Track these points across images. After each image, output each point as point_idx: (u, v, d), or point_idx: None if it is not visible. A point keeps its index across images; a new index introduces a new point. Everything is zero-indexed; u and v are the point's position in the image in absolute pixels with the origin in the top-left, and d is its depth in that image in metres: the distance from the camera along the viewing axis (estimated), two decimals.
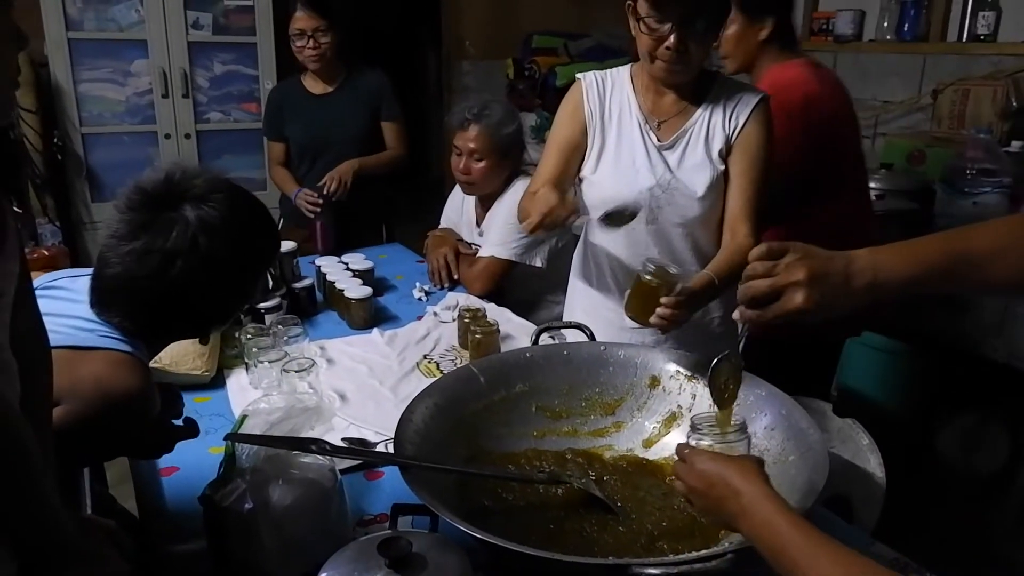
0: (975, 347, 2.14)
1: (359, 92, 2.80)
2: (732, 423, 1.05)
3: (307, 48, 2.71)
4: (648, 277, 1.30)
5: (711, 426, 1.03)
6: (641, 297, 1.31)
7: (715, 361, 1.09)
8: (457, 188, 2.42)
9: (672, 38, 1.42)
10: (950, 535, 2.09)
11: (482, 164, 2.17)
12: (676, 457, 0.98)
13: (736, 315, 1.01)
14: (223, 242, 1.08)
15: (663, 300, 1.27)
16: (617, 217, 1.41)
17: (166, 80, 3.57)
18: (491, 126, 2.15)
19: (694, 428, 1.03)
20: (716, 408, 1.11)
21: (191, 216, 1.07)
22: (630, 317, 1.35)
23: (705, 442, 1.00)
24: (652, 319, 1.29)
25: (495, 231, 2.18)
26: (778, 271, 0.95)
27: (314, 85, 2.82)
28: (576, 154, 1.61)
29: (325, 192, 2.70)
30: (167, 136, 3.63)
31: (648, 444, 1.31)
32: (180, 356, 1.60)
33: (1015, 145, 2.41)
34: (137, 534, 1.09)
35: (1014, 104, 2.54)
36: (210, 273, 1.08)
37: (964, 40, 2.82)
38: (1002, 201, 2.27)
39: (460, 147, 2.20)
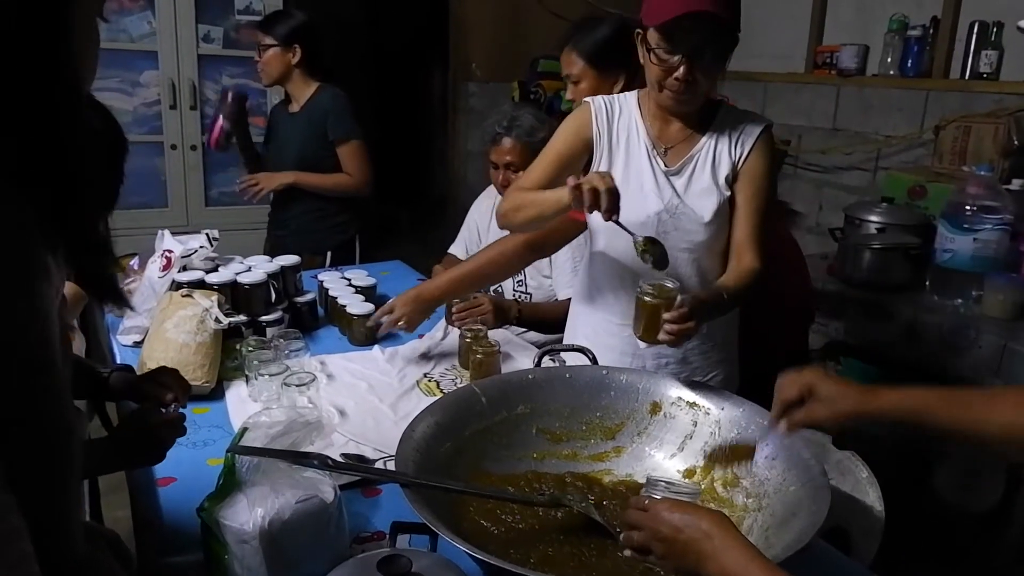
0: (974, 383, 2.14)
1: (312, 114, 2.77)
2: (687, 488, 1.06)
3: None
4: (647, 297, 1.31)
5: (666, 487, 1.04)
6: (645, 317, 1.32)
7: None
8: (482, 196, 2.46)
9: (681, 69, 1.43)
10: (948, 570, 2.08)
11: (521, 174, 2.17)
12: (629, 508, 0.97)
13: (770, 415, 1.13)
14: None
15: (666, 316, 1.28)
16: (652, 251, 1.39)
17: (175, 91, 3.59)
18: (522, 135, 2.18)
19: (650, 485, 1.05)
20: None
21: None
22: (640, 339, 1.36)
23: (659, 497, 1.00)
24: (661, 336, 1.29)
25: (566, 273, 2.16)
26: None
27: (292, 103, 2.84)
28: (570, 168, 1.60)
29: (241, 189, 2.81)
30: (173, 147, 3.65)
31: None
32: (180, 367, 1.58)
33: (1016, 183, 2.43)
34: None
35: (1015, 142, 2.57)
36: None
37: (967, 77, 2.86)
38: (1003, 238, 2.28)
39: (496, 161, 2.23)
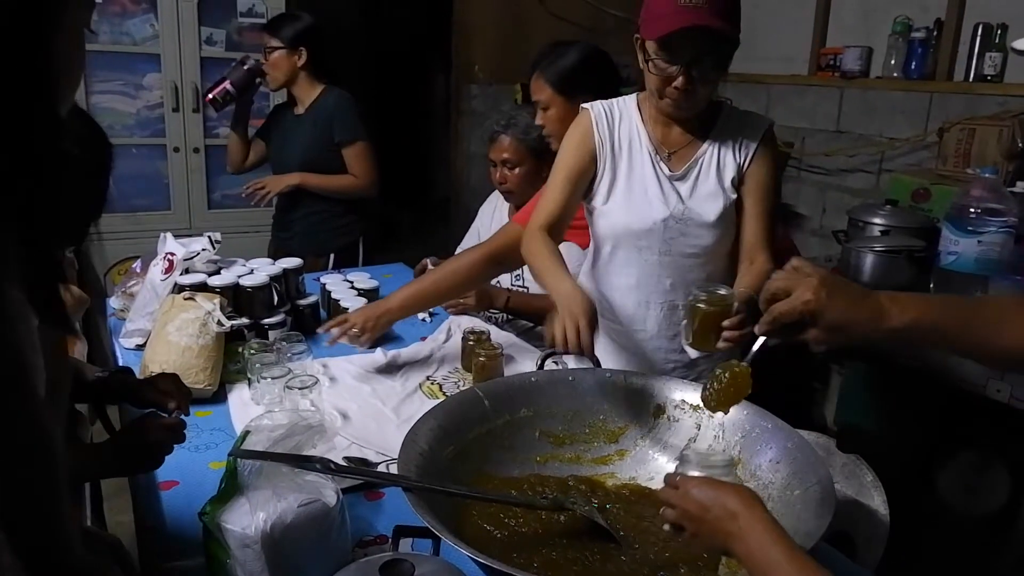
0: (979, 387, 2.13)
1: (317, 116, 2.77)
2: (720, 460, 1.04)
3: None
4: (702, 305, 1.29)
5: (699, 460, 1.03)
6: (704, 326, 1.29)
7: (725, 363, 1.12)
8: (488, 199, 2.50)
9: (680, 79, 1.42)
10: (953, 574, 2.06)
11: (517, 171, 2.24)
12: (665, 485, 0.98)
13: (757, 327, 1.04)
14: None
15: (728, 323, 1.25)
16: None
17: (177, 94, 3.59)
18: (519, 133, 2.21)
19: (683, 460, 1.03)
20: (705, 408, 1.15)
21: None
22: (695, 348, 1.32)
23: (693, 473, 0.99)
24: (720, 344, 1.27)
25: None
26: (796, 275, 1.00)
27: (297, 106, 2.84)
28: (582, 182, 1.61)
29: (247, 194, 2.81)
30: (176, 149, 3.64)
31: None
32: (183, 370, 1.59)
33: (1020, 185, 2.41)
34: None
35: (1020, 144, 2.55)
36: None
37: (971, 80, 2.85)
38: (1007, 241, 2.27)
39: (494, 159, 2.28)
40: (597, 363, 1.48)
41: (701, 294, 1.29)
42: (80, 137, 1.06)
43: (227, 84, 2.75)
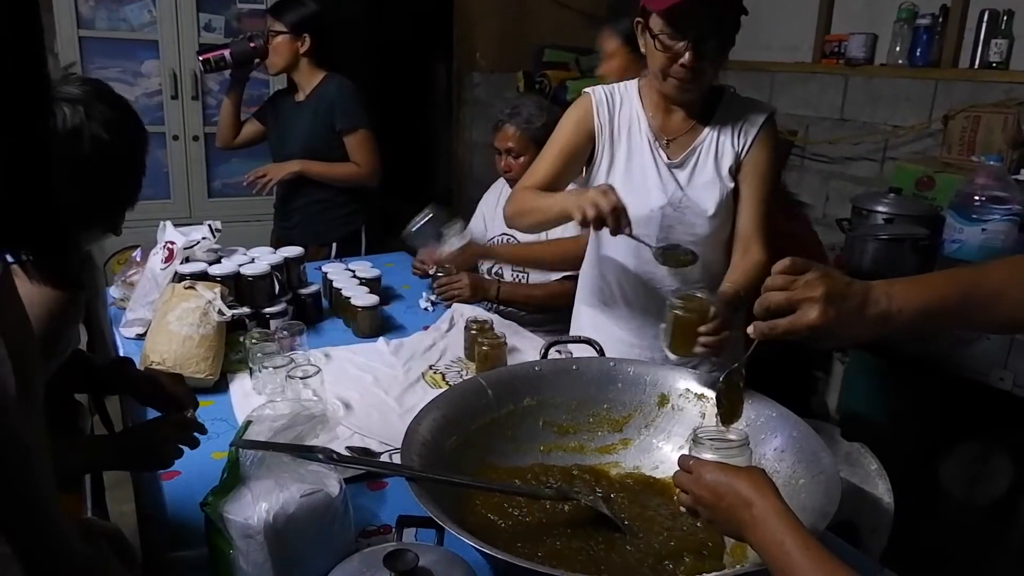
0: (981, 375, 2.13)
1: (319, 104, 2.74)
2: (734, 437, 1.04)
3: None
4: (679, 311, 1.28)
5: (712, 440, 1.02)
6: (680, 331, 1.28)
7: (724, 375, 1.11)
8: (494, 185, 2.52)
9: (687, 55, 1.41)
10: (957, 563, 2.07)
11: (521, 159, 2.25)
12: (679, 468, 0.98)
13: (750, 329, 1.02)
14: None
15: (703, 329, 1.25)
16: (672, 256, 1.39)
17: (176, 81, 3.57)
18: (522, 123, 2.22)
19: (696, 441, 1.02)
20: (721, 424, 1.14)
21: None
22: (674, 353, 1.32)
23: (707, 455, 0.99)
24: (697, 349, 1.27)
25: None
26: (797, 285, 0.97)
27: (297, 92, 2.82)
28: (575, 161, 1.60)
29: (248, 182, 2.78)
30: (175, 138, 3.63)
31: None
32: (183, 359, 1.59)
33: None
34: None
35: None
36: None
37: (976, 67, 2.82)
38: (1011, 229, 2.26)
39: (499, 147, 2.30)
40: (600, 351, 1.46)
41: (678, 300, 1.29)
42: (110, 121, 1.05)
43: (226, 52, 2.71)
